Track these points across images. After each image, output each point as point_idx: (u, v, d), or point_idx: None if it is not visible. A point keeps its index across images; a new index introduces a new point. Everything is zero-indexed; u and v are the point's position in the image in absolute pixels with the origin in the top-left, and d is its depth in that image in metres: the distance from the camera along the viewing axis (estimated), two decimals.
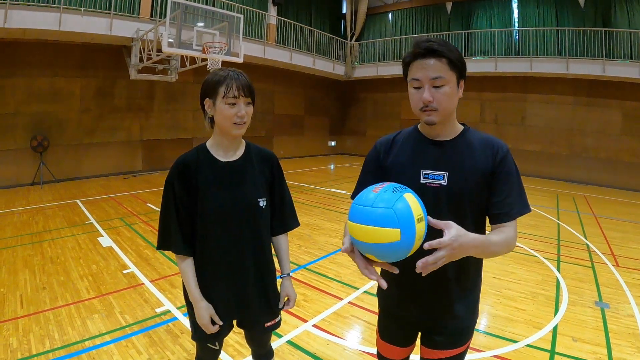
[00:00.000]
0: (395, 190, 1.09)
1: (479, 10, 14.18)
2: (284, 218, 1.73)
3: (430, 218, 1.08)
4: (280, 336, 2.89)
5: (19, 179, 8.72)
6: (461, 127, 1.38)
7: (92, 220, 6.00)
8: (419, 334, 1.51)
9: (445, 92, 1.24)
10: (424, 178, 1.32)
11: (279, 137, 15.25)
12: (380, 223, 1.03)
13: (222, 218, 1.54)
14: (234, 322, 1.71)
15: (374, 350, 2.69)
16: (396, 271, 1.14)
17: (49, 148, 9.01)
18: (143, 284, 3.81)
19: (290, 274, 1.77)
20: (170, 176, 1.54)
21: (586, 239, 5.93)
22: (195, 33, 8.34)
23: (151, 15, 9.89)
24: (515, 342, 2.90)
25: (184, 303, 1.71)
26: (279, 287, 1.75)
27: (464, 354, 1.43)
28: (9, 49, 8.33)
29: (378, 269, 1.19)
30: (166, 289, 3.69)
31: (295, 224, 1.78)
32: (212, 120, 1.54)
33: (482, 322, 3.20)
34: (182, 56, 9.39)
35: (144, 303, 3.40)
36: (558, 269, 4.53)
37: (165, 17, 7.84)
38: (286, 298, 1.74)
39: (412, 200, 1.07)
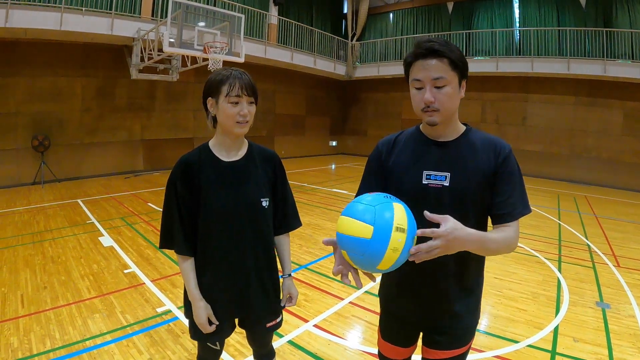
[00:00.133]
0: (388, 197, 1.11)
1: (480, 10, 14.18)
2: (286, 218, 1.73)
3: (427, 212, 1.07)
4: (281, 336, 2.89)
5: (20, 179, 8.74)
6: (463, 128, 1.37)
7: (93, 220, 6.01)
8: (421, 334, 1.50)
9: (447, 93, 1.23)
10: (426, 179, 1.32)
11: (280, 137, 15.25)
12: (357, 216, 1.06)
13: (224, 218, 1.53)
14: (236, 321, 1.71)
15: (374, 351, 2.70)
16: (374, 280, 1.16)
17: (50, 148, 9.02)
18: (144, 283, 3.81)
19: (292, 274, 1.77)
20: (173, 176, 1.54)
21: (587, 239, 5.92)
22: (197, 33, 8.35)
23: (152, 15, 9.90)
24: (516, 342, 2.90)
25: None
26: (280, 287, 1.75)
27: (465, 354, 1.42)
28: (10, 48, 8.34)
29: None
30: (167, 289, 3.69)
31: (298, 224, 1.78)
32: (214, 119, 1.54)
33: (483, 322, 3.20)
34: (183, 56, 9.39)
35: (145, 303, 3.40)
36: (559, 270, 4.52)
37: (166, 16, 7.85)
38: (288, 295, 1.74)
39: (398, 210, 1.06)
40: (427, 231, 1.03)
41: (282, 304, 1.73)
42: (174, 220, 1.53)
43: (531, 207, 1.31)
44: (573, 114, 12.30)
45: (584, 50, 11.64)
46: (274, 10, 13.64)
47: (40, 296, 3.45)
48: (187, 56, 9.06)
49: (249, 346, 1.85)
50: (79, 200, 7.37)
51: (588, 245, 5.61)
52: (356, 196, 1.36)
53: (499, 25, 13.66)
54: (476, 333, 1.48)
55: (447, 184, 1.29)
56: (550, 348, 2.84)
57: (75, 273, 4.00)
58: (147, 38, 8.86)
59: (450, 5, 14.84)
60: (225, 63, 8.47)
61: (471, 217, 1.28)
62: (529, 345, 2.86)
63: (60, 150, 9.31)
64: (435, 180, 1.31)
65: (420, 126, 1.42)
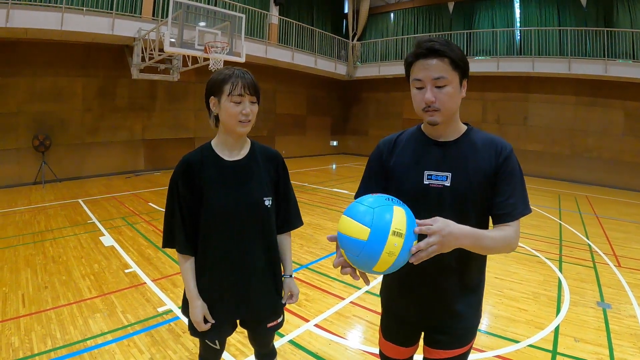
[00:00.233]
0: (390, 200, 1.11)
1: (481, 10, 14.16)
2: (288, 217, 1.73)
3: (417, 221, 1.08)
4: (282, 336, 2.89)
5: (21, 179, 8.74)
6: (464, 127, 1.37)
7: (94, 220, 6.01)
8: (422, 333, 1.50)
9: (448, 93, 1.23)
10: (427, 179, 1.31)
11: (281, 137, 15.24)
12: (357, 217, 1.06)
13: (225, 217, 1.53)
14: (237, 321, 1.71)
15: (375, 350, 2.70)
16: (368, 283, 1.17)
17: (51, 147, 9.03)
18: (145, 283, 3.82)
19: (293, 275, 1.77)
20: (175, 175, 1.55)
21: (588, 239, 5.91)
22: (197, 33, 8.35)
23: (153, 15, 9.91)
24: (517, 342, 2.90)
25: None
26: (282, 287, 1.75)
27: (467, 354, 1.42)
28: (11, 48, 8.35)
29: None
30: (168, 289, 3.70)
31: (299, 223, 1.78)
32: (217, 118, 1.54)
33: (484, 322, 3.20)
34: (184, 56, 9.38)
35: (145, 302, 3.40)
36: (560, 269, 4.52)
37: (167, 16, 7.86)
38: (289, 293, 1.74)
39: (398, 214, 1.06)
40: (423, 228, 1.04)
41: (283, 302, 1.73)
42: (175, 220, 1.54)
43: (531, 207, 1.31)
44: (574, 114, 12.29)
45: (585, 50, 11.63)
46: (274, 10, 13.64)
47: (41, 296, 3.45)
48: (188, 56, 9.06)
49: (250, 346, 1.85)
50: (79, 200, 7.37)
51: (589, 245, 5.61)
52: (356, 196, 1.37)
53: (499, 25, 13.65)
54: (477, 333, 1.48)
55: (448, 184, 1.29)
56: (551, 348, 2.84)
57: (76, 273, 4.00)
58: (148, 38, 8.87)
59: (451, 5, 14.83)
60: (226, 63, 8.48)
61: (472, 217, 1.28)
62: (530, 345, 2.86)
63: (61, 150, 9.32)
64: (436, 180, 1.30)
65: (422, 126, 1.42)
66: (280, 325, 1.74)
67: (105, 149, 10.20)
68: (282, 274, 1.75)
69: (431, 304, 1.39)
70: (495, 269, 4.40)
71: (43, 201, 7.24)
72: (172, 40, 7.84)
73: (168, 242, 1.58)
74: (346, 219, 1.09)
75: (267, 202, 1.59)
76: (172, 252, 1.60)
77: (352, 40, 16.56)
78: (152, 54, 8.88)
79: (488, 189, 1.29)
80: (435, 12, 15.28)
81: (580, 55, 11.62)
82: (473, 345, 1.46)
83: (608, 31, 11.25)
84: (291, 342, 2.84)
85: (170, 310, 3.26)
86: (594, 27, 11.65)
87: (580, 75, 11.51)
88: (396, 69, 14.80)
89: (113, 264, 4.27)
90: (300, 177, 11.02)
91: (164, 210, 1.61)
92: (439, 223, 1.05)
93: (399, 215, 1.05)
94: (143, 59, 9.28)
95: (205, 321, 1.56)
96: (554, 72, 11.86)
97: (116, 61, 9.98)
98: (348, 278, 4.01)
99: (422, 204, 1.18)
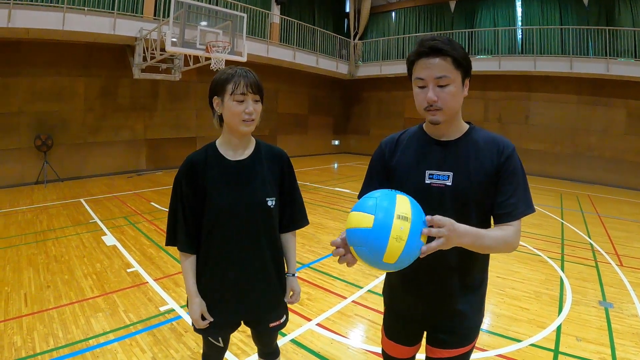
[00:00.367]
0: (394, 190, 1.11)
1: (482, 8, 14.12)
2: (294, 216, 1.72)
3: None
4: (284, 335, 2.89)
5: (23, 178, 8.76)
6: (466, 126, 1.36)
7: (96, 219, 6.03)
8: (425, 333, 1.50)
9: (450, 92, 1.23)
10: (429, 178, 1.31)
11: (283, 136, 15.23)
12: (361, 208, 1.06)
13: (228, 217, 1.53)
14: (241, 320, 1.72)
15: (378, 349, 2.70)
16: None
17: (53, 147, 9.05)
18: (147, 282, 3.82)
19: (296, 274, 1.77)
20: (179, 174, 1.55)
21: (590, 238, 5.90)
22: (199, 32, 8.35)
23: (154, 15, 9.91)
24: (519, 341, 2.89)
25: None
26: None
27: (469, 353, 1.42)
28: (12, 48, 8.36)
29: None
30: (170, 288, 3.70)
31: (305, 222, 1.77)
32: (220, 118, 1.54)
33: (486, 322, 3.19)
34: (185, 55, 9.38)
35: (147, 302, 3.41)
36: (562, 269, 4.51)
37: (168, 16, 7.85)
38: (291, 293, 1.74)
39: (401, 200, 1.05)
40: (435, 217, 1.02)
41: (285, 300, 1.73)
42: (178, 218, 1.55)
43: (535, 207, 1.30)
44: (576, 112, 12.25)
45: (587, 48, 11.60)
46: (276, 10, 13.63)
47: (43, 295, 3.46)
48: (190, 55, 9.07)
49: (252, 345, 1.86)
50: (81, 200, 7.39)
51: (591, 244, 5.60)
52: (359, 196, 1.37)
53: (501, 24, 13.61)
54: (479, 332, 1.48)
55: (450, 184, 1.28)
56: (553, 347, 2.83)
57: (78, 272, 4.01)
58: (150, 37, 8.87)
59: (452, 4, 14.79)
60: (227, 62, 8.48)
61: (474, 216, 1.28)
62: (532, 345, 2.85)
63: (63, 149, 9.34)
64: (438, 179, 1.30)
65: (424, 125, 1.41)
66: (283, 325, 1.74)
67: (107, 149, 10.22)
68: (286, 272, 1.74)
69: (434, 302, 1.39)
70: (497, 268, 4.39)
71: (45, 201, 7.26)
72: (174, 39, 7.85)
73: (170, 240, 1.59)
74: (351, 214, 1.09)
75: (270, 202, 1.58)
76: (174, 251, 1.61)
77: (354, 39, 16.54)
78: (153, 54, 8.89)
79: (490, 189, 1.28)
80: (436, 11, 15.25)
81: (582, 54, 11.59)
82: (475, 345, 1.45)
83: (610, 30, 11.21)
84: (293, 341, 2.84)
85: (173, 310, 3.27)
86: (596, 26, 11.61)
87: (582, 74, 11.47)
88: (398, 68, 14.77)
89: (115, 264, 4.27)
90: (302, 176, 11.02)
91: (166, 209, 1.61)
92: (445, 218, 1.05)
93: (402, 201, 1.05)
94: (144, 59, 9.29)
95: (203, 318, 1.57)
96: (556, 70, 11.82)
97: (118, 61, 10.00)
98: (350, 277, 4.03)
99: (423, 204, 1.18)
